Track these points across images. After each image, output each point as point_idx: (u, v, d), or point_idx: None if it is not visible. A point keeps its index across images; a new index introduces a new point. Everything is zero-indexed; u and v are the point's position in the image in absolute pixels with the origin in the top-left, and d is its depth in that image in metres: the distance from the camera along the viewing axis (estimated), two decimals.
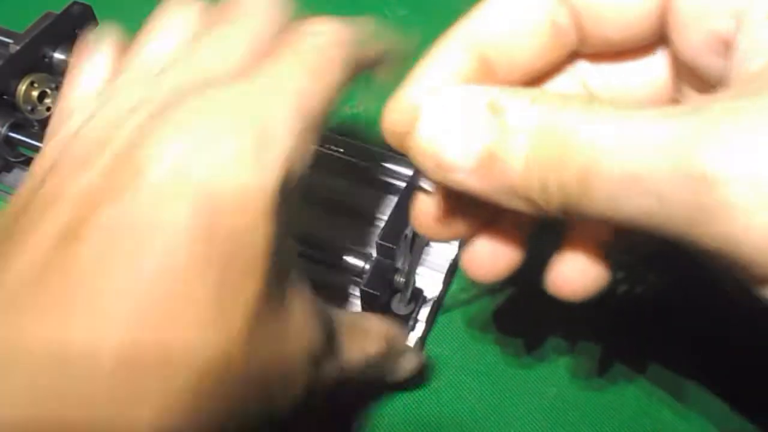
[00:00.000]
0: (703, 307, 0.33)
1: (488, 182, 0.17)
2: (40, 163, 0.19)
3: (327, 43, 0.20)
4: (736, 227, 0.13)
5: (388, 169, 0.33)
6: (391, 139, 0.20)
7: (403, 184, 0.32)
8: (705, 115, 0.14)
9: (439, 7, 0.49)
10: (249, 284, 0.17)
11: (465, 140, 0.17)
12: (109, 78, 0.21)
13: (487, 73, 0.20)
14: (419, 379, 0.31)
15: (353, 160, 0.34)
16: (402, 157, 0.33)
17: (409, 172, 0.32)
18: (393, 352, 0.28)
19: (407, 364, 0.29)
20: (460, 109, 0.17)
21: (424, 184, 0.20)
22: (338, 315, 0.24)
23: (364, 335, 0.25)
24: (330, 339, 0.22)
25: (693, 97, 0.20)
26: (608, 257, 0.20)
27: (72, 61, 0.22)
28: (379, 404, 0.31)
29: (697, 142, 0.14)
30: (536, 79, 0.21)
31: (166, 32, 0.22)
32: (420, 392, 0.31)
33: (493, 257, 0.22)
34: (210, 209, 0.16)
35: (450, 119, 0.17)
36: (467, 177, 0.17)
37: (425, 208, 0.21)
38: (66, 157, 0.18)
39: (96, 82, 0.21)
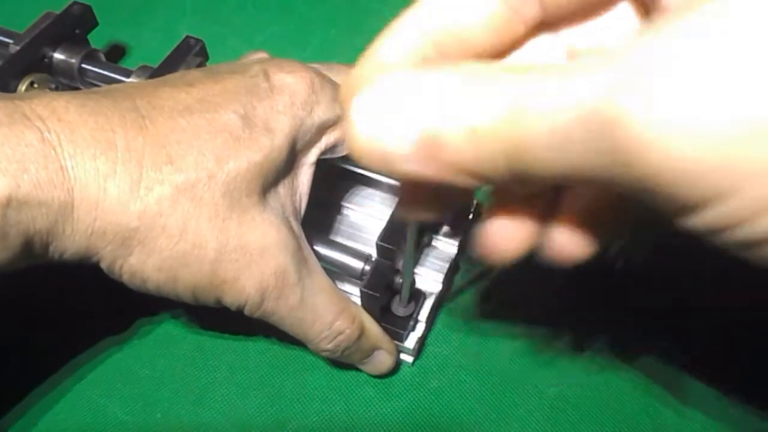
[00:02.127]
0: (705, 306, 0.33)
1: (432, 165, 0.16)
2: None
3: None
4: (650, 161, 0.14)
5: None
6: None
7: None
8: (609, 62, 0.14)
9: None
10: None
11: (403, 126, 0.16)
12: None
13: (442, 54, 0.19)
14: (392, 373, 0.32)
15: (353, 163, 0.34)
16: None
17: None
18: (366, 342, 0.30)
19: (379, 361, 0.31)
20: (392, 97, 0.16)
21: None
22: (320, 268, 0.28)
23: (341, 304, 0.28)
24: (298, 262, 0.27)
25: None
26: (598, 227, 0.21)
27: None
28: (379, 404, 0.31)
29: (607, 89, 0.14)
30: (495, 55, 0.20)
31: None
32: (420, 392, 0.31)
33: (511, 235, 0.22)
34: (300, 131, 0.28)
35: (384, 108, 0.16)
36: (410, 163, 0.17)
37: (498, 231, 0.21)
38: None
39: None
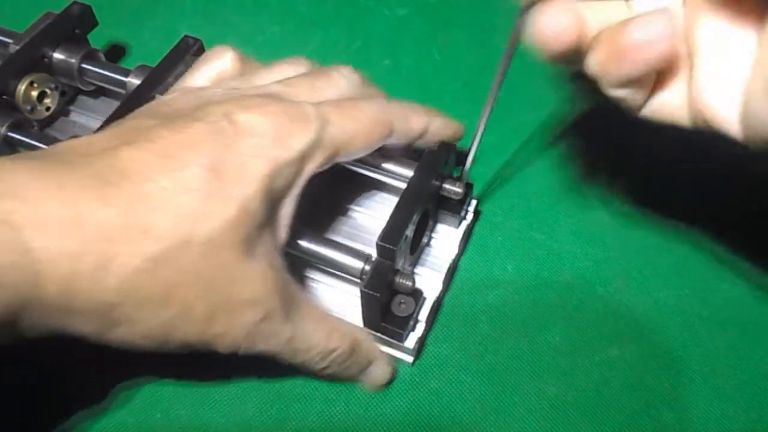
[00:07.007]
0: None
1: None
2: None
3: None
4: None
5: (388, 169, 0.33)
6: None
7: (403, 185, 0.32)
8: None
9: (439, 7, 0.49)
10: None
11: None
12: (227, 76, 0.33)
13: None
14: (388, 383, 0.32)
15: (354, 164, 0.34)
16: (401, 158, 0.33)
17: (409, 172, 0.32)
18: (360, 357, 0.30)
19: (376, 373, 0.31)
20: None
21: None
22: (305, 295, 0.29)
23: (330, 326, 0.29)
24: (285, 300, 0.27)
25: None
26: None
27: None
28: (379, 404, 0.31)
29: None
30: None
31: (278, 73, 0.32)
32: (420, 392, 0.31)
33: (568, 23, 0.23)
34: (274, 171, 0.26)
35: None
36: None
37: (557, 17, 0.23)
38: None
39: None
